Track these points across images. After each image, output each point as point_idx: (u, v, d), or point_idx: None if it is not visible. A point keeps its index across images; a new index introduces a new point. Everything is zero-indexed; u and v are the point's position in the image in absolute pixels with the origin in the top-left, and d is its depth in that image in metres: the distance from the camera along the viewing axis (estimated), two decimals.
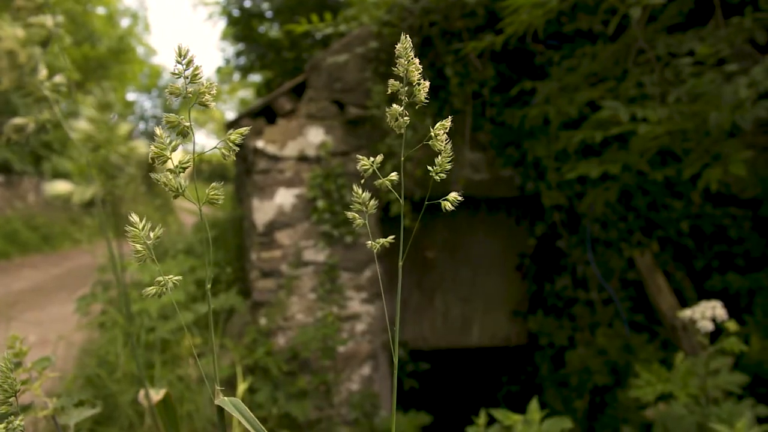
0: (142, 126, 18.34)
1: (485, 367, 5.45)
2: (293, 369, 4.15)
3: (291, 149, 4.28)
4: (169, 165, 0.68)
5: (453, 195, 0.79)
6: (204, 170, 24.17)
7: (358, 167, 0.80)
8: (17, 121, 0.45)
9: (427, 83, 0.76)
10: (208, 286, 0.77)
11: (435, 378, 5.12)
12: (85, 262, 10.04)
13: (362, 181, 0.78)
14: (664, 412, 2.39)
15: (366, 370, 4.39)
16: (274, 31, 11.95)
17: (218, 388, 0.75)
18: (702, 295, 4.35)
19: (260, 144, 4.23)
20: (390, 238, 0.82)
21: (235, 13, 12.05)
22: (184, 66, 0.67)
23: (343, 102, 4.31)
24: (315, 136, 4.31)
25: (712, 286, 4.26)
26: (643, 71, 3.04)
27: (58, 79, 0.47)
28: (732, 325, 2.03)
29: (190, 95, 0.68)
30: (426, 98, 0.77)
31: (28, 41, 0.43)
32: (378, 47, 4.12)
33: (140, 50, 17.91)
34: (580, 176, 3.56)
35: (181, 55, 0.66)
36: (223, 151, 0.72)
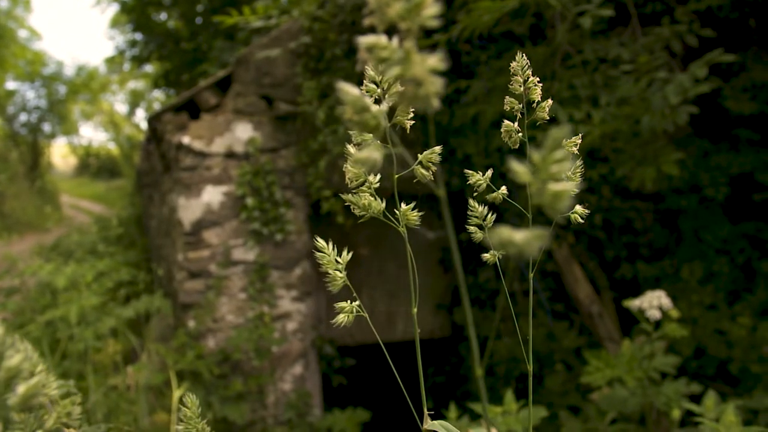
0: (24, 117, 16.91)
1: (411, 360, 5.54)
2: (225, 372, 4.03)
3: (218, 145, 4.14)
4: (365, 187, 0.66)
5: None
6: (92, 165, 22.76)
7: (471, 182, 0.81)
8: (362, 155, 0.42)
9: (550, 101, 0.79)
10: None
11: (362, 373, 5.15)
12: None
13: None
14: (608, 395, 2.56)
15: (298, 369, 4.34)
16: (172, 21, 11.42)
17: (426, 411, 0.73)
18: (613, 284, 4.68)
19: (186, 140, 4.06)
20: None
21: None
22: (378, 84, 0.64)
23: (272, 97, 4.22)
24: (243, 131, 4.19)
25: (622, 274, 4.58)
26: (573, 74, 3.21)
27: (383, 107, 0.45)
28: (674, 313, 2.21)
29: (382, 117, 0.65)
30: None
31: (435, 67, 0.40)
32: (309, 42, 4.07)
33: (22, 33, 16.46)
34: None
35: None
36: (422, 171, 0.69)
